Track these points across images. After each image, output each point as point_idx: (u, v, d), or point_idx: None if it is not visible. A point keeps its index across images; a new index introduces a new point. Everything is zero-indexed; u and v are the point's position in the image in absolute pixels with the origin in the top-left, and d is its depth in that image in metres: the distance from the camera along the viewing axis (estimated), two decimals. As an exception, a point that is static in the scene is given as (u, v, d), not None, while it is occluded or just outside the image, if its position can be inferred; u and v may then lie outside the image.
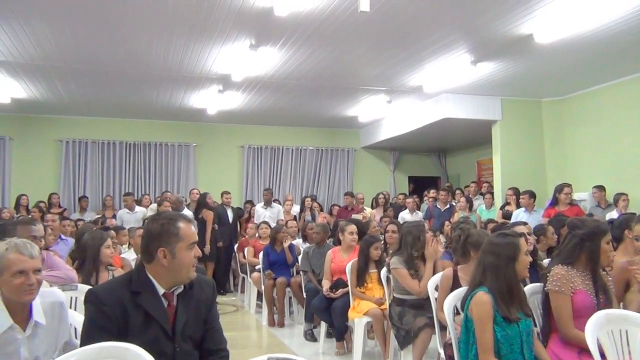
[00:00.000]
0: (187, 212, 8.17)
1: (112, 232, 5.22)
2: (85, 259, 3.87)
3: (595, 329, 2.61)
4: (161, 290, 2.09)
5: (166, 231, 2.07)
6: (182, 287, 2.14)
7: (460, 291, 3.22)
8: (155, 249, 2.06)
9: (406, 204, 9.51)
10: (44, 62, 7.09)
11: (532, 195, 7.58)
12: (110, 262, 3.97)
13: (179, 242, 2.07)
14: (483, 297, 2.67)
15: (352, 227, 5.61)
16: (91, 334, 1.98)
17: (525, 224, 4.45)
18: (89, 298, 2.03)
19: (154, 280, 2.08)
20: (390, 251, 4.96)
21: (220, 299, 8.14)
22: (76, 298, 3.38)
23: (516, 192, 8.13)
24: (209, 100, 9.25)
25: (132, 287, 2.06)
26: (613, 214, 6.98)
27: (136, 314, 2.01)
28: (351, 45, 6.57)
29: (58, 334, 2.27)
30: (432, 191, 9.93)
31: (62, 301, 2.34)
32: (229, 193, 9.74)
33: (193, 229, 2.16)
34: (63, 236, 5.77)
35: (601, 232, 2.99)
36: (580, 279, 2.94)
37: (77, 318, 2.56)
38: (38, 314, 2.19)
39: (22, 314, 2.16)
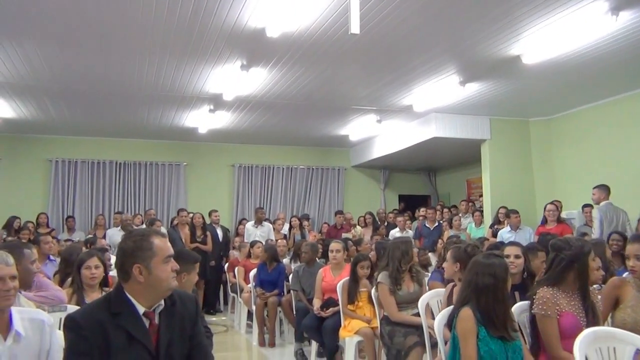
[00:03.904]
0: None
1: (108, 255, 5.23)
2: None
3: (584, 346, 2.63)
4: (141, 310, 2.05)
5: (139, 247, 2.06)
6: (164, 304, 2.11)
7: (450, 309, 3.24)
8: (131, 267, 2.04)
9: (397, 222, 9.54)
10: (34, 83, 7.09)
11: (517, 213, 7.67)
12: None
13: (153, 257, 2.05)
14: (465, 313, 2.73)
15: (334, 245, 5.61)
16: None
17: (518, 244, 4.35)
18: (68, 324, 1.99)
19: (133, 300, 2.04)
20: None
21: (209, 319, 8.08)
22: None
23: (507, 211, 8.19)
24: (199, 120, 9.28)
25: (112, 308, 2.01)
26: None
27: (117, 336, 1.97)
28: (341, 66, 6.65)
29: (40, 351, 2.28)
30: (422, 209, 9.97)
31: (43, 319, 2.35)
32: (217, 211, 9.74)
33: (167, 243, 2.14)
34: (52, 257, 5.73)
35: (588, 251, 3.02)
36: (566, 300, 2.96)
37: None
38: (18, 324, 2.22)
39: (1, 323, 2.19)
